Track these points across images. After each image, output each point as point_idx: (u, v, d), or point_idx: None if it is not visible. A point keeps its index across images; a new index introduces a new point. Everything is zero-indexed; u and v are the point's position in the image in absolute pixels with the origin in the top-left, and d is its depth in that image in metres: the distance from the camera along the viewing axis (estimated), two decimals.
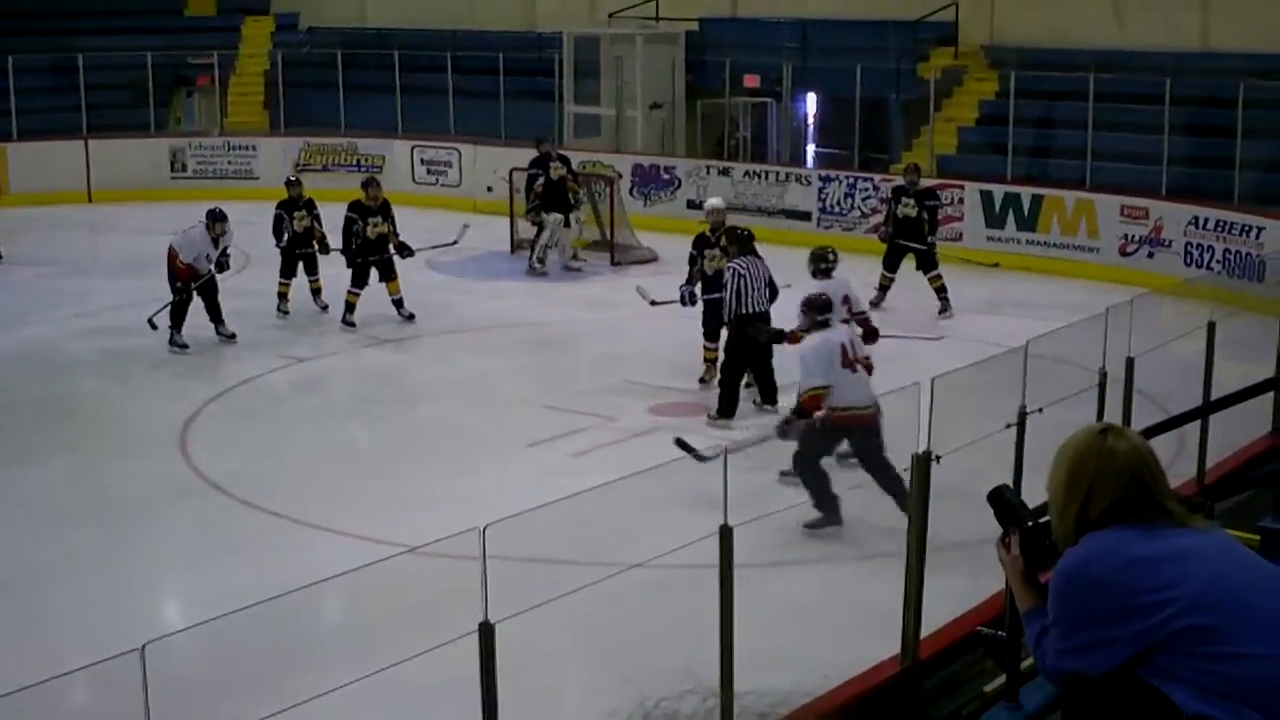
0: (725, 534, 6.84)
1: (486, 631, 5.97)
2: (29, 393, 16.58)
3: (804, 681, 8.23)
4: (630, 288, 20.08)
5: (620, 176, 25.47)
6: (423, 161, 29.15)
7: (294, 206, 19.69)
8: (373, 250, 18.86)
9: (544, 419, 14.85)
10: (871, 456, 11.07)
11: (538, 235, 22.51)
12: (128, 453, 14.32)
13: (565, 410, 15.17)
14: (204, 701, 7.81)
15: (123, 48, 31.44)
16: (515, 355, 18.03)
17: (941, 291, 19.65)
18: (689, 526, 7.28)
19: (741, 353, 14.80)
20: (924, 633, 7.76)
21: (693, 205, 25.71)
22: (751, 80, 27.31)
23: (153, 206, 27.58)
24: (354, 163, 29.71)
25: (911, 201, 19.75)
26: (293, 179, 20.71)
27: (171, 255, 17.96)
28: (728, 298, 14.74)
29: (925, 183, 20.54)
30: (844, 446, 12.27)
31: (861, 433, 11.12)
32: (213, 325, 18.10)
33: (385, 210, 19.14)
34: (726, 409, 14.72)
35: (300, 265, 19.66)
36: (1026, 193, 22.91)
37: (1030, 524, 4.26)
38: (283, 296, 19.57)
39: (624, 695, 9.01)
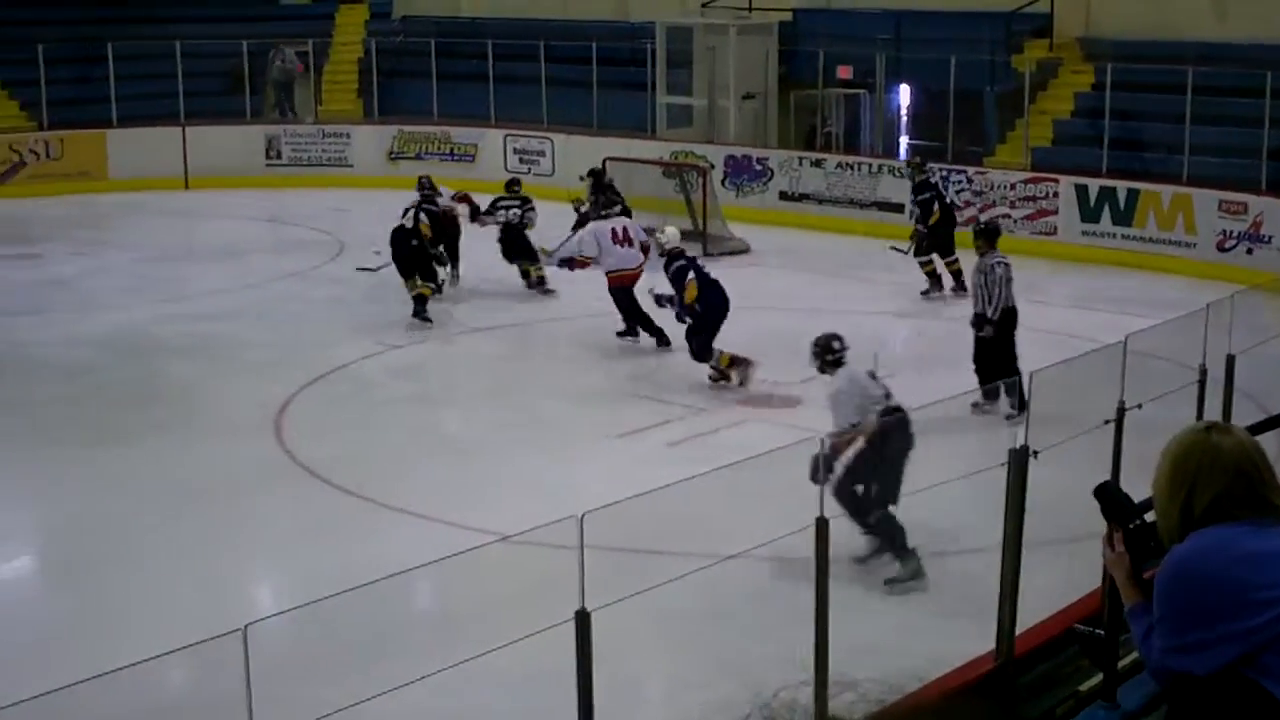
0: (821, 526, 6.83)
1: (583, 619, 5.99)
2: (123, 375, 16.79)
3: (898, 674, 8.19)
4: (722, 277, 20.09)
5: (713, 167, 25.43)
6: (515, 150, 29.21)
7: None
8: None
9: (635, 409, 14.87)
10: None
11: None
12: (222, 436, 14.44)
13: (655, 400, 15.19)
14: (296, 684, 7.86)
15: (219, 35, 31.70)
16: (606, 346, 18.05)
17: (934, 277, 20.15)
18: (784, 518, 7.28)
19: None
20: (1019, 629, 7.72)
21: (785, 197, 25.71)
22: (845, 71, 27.17)
23: (247, 193, 27.83)
24: (447, 151, 29.84)
25: (911, 195, 20.38)
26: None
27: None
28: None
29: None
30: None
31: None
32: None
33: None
34: None
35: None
36: (1122, 187, 22.67)
37: (1136, 520, 4.22)
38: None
39: (726, 687, 8.98)
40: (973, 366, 14.85)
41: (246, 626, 5.21)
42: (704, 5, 29.43)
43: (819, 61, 26.93)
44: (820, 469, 7.26)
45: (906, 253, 20.61)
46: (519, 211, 20.85)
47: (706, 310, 15.98)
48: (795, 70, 28.08)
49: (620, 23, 31.01)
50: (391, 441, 14.39)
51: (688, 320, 16.19)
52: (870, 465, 10.54)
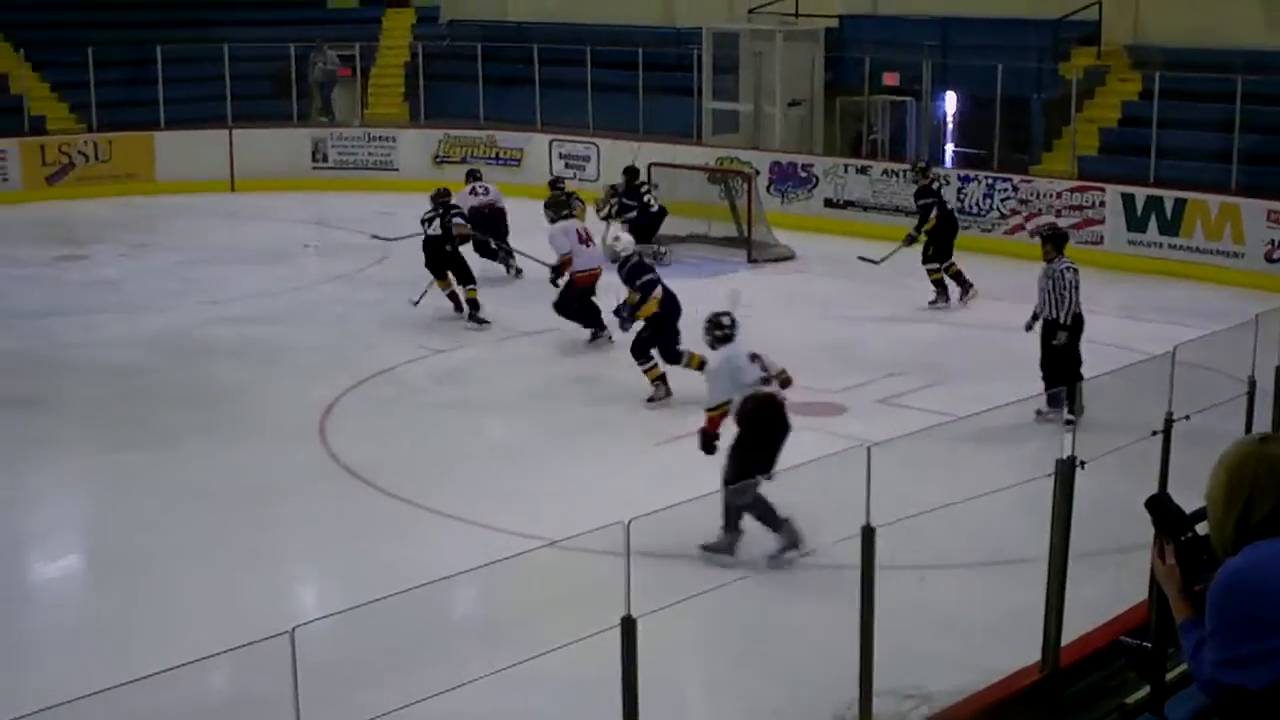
0: (867, 535, 6.80)
1: (629, 626, 5.98)
2: (169, 377, 16.87)
3: (943, 685, 8.16)
4: (766, 284, 20.16)
5: (758, 173, 25.42)
6: (561, 155, 29.25)
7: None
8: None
9: (677, 416, 14.82)
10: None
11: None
12: (267, 438, 14.50)
13: (698, 407, 15.13)
14: (341, 687, 7.87)
15: (266, 39, 31.87)
16: None
17: (940, 285, 20.13)
18: (829, 526, 7.26)
19: None
20: (1065, 640, 7.68)
21: (831, 204, 25.65)
22: (891, 78, 27.13)
23: (293, 196, 27.95)
24: (493, 155, 29.90)
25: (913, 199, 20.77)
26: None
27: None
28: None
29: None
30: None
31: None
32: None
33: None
34: None
35: None
36: (1169, 196, 22.55)
37: (1188, 533, 4.19)
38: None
39: (771, 695, 8.97)
40: (1040, 374, 14.76)
41: (294, 629, 5.21)
42: (750, 11, 29.42)
43: (865, 68, 26.90)
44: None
45: (879, 263, 20.76)
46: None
47: (663, 316, 15.98)
48: (841, 77, 28.04)
49: (666, 28, 31.03)
50: (435, 445, 14.42)
51: (634, 325, 16.27)
52: (747, 447, 11.17)
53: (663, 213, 22.95)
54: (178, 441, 14.49)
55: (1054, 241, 15.15)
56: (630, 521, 5.86)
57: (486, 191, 22.38)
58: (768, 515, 10.61)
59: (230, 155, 29.89)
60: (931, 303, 20.08)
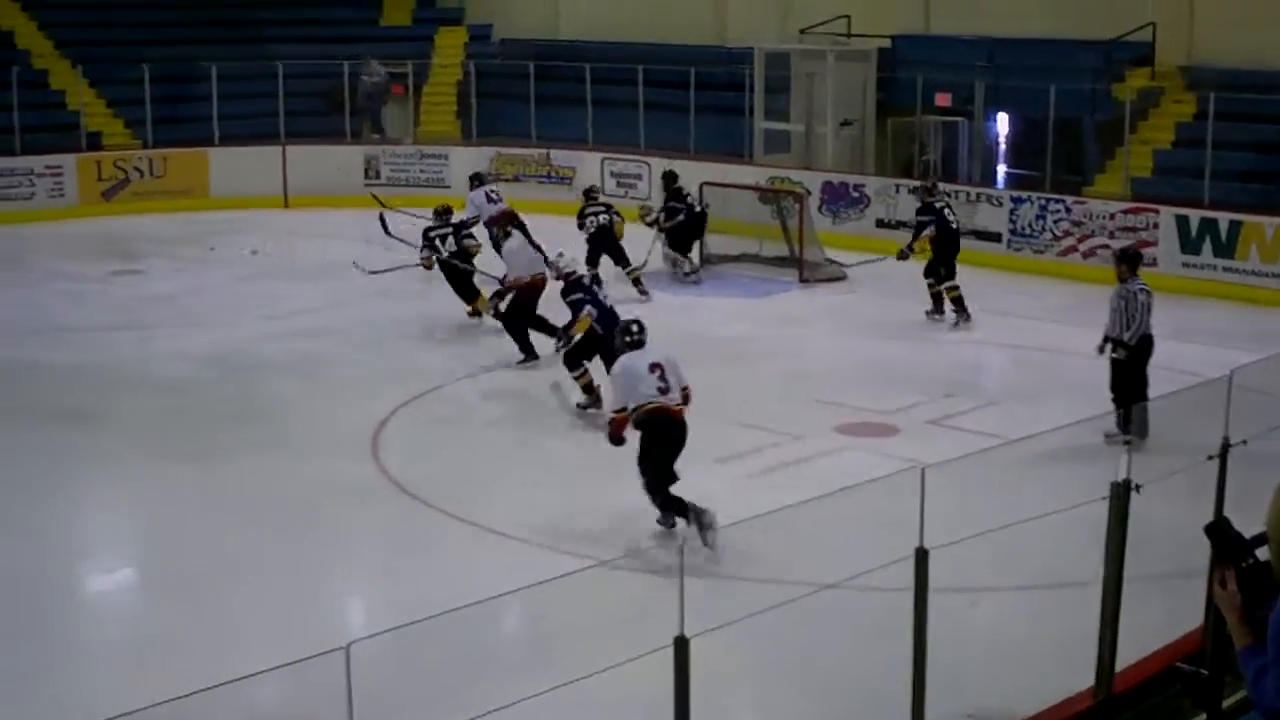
0: (921, 557, 6.78)
1: (681, 646, 5.97)
2: (223, 391, 16.97)
3: (996, 709, 8.13)
4: (818, 304, 20.17)
5: (809, 193, 25.38)
6: (613, 174, 29.29)
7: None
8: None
9: (732, 435, 14.80)
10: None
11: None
12: (320, 453, 14.54)
13: (752, 427, 15.13)
14: (392, 705, 7.89)
15: (320, 56, 32.09)
16: (703, 370, 17.84)
17: (937, 299, 20.30)
18: (883, 547, 7.24)
19: None
20: (1119, 665, 7.64)
21: (882, 224, 25.58)
22: (943, 99, 27.03)
23: (346, 212, 28.04)
24: (545, 173, 29.99)
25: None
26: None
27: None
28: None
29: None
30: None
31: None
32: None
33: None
34: None
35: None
36: (1224, 218, 22.39)
37: (1249, 559, 4.16)
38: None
39: (821, 717, 8.94)
40: (1110, 395, 14.68)
41: (350, 645, 5.23)
42: (802, 31, 29.38)
43: (917, 88, 26.79)
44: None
45: (847, 268, 21.92)
46: (608, 216, 21.47)
47: (601, 337, 15.87)
48: (893, 97, 27.98)
49: (718, 47, 31.03)
50: (486, 462, 14.43)
51: (567, 346, 16.37)
52: (647, 455, 11.98)
53: (705, 214, 23.15)
54: (231, 456, 14.57)
55: (1129, 262, 15.07)
56: (684, 542, 5.87)
57: (500, 198, 23.12)
58: (677, 506, 11.44)
59: (284, 171, 30.07)
60: (928, 313, 20.31)
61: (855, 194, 26.30)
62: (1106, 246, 22.64)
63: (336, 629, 9.98)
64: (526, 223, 21.23)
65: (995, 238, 24.31)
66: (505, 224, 20.14)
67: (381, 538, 12.63)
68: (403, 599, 10.64)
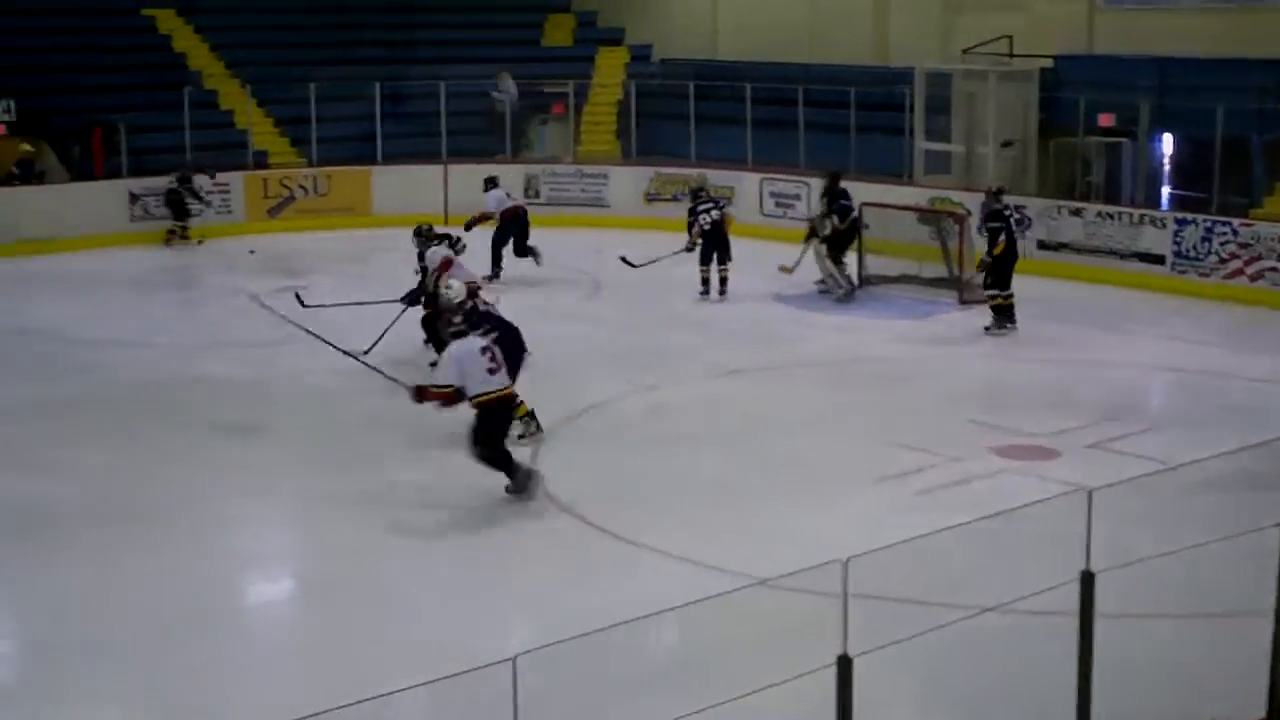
0: (1087, 580, 6.72)
1: (844, 665, 5.98)
2: (382, 405, 17.10)
3: None
4: (977, 325, 20.06)
5: (970, 214, 25.17)
6: (771, 194, 29.29)
7: None
8: None
9: (889, 456, 14.76)
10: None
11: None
12: (478, 469, 14.63)
13: (909, 448, 15.05)
14: None
15: (483, 76, 32.47)
16: (861, 390, 17.94)
17: (1007, 311, 20.62)
18: (1045, 572, 7.18)
19: None
20: None
21: (1043, 246, 25.33)
22: (1106, 119, 26.70)
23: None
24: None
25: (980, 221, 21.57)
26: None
27: None
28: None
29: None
30: None
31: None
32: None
33: None
34: None
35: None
36: None
37: None
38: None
39: None
40: None
41: (516, 657, 5.29)
42: (964, 51, 29.18)
43: (1080, 109, 26.50)
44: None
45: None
46: (719, 211, 21.68)
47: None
48: (1056, 117, 27.70)
49: (879, 68, 30.95)
50: (647, 480, 14.47)
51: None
52: (481, 426, 13.69)
53: (859, 217, 23.38)
54: (389, 468, 14.81)
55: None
56: (849, 560, 5.87)
57: (511, 196, 25.35)
58: (504, 463, 13.73)
59: (445, 189, 30.45)
60: (986, 329, 20.54)
61: (1016, 215, 26.02)
62: (1275, 269, 22.29)
63: (495, 644, 10.08)
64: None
65: (1159, 260, 23.96)
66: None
67: (541, 554, 12.75)
68: (562, 615, 10.67)
